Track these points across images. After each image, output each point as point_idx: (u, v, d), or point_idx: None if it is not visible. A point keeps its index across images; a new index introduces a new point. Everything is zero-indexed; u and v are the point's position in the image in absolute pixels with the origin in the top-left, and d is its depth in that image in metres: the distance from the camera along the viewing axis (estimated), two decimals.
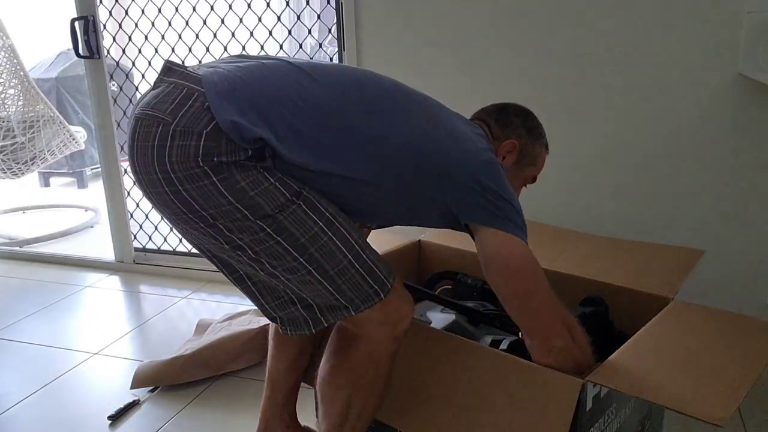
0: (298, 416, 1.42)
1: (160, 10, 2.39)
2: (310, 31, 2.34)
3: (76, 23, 2.41)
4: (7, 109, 2.99)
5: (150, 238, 2.68)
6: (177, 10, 2.38)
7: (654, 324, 1.20)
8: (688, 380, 1.00)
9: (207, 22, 2.36)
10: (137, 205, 2.66)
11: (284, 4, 2.33)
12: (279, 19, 2.28)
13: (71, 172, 4.38)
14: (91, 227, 3.35)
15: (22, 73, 2.97)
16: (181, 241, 2.61)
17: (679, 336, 1.15)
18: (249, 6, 2.30)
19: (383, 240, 1.63)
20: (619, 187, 1.90)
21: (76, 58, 2.48)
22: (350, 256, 1.04)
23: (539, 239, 1.62)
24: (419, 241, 1.70)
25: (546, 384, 1.06)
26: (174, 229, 1.14)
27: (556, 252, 1.56)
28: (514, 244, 1.04)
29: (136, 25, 2.45)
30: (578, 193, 1.94)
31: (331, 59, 2.28)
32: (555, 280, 1.50)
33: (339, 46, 2.12)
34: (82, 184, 4.39)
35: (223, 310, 2.22)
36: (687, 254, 1.49)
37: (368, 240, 1.12)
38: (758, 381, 1.03)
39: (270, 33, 2.33)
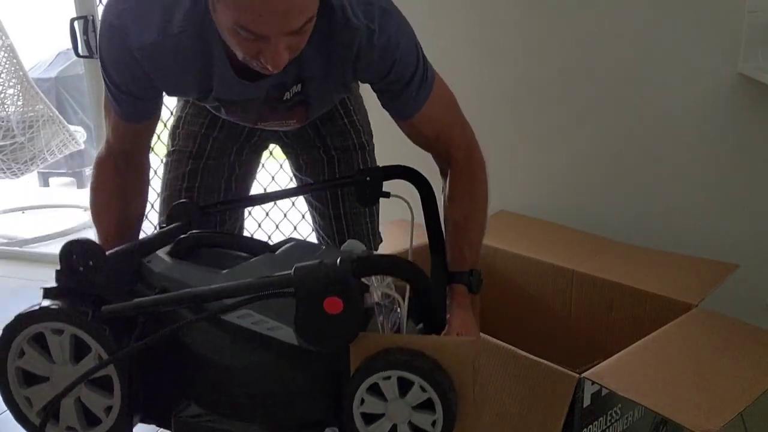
0: None
1: None
2: None
3: (76, 23, 2.41)
4: (7, 109, 2.99)
5: None
6: None
7: (668, 329, 1.19)
8: (685, 388, 0.99)
9: None
10: None
11: None
12: None
13: (70, 172, 4.37)
14: (91, 227, 3.34)
15: (21, 72, 2.97)
16: None
17: (691, 343, 1.14)
18: None
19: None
20: (609, 185, 1.89)
21: (75, 57, 2.47)
22: None
23: (567, 241, 1.63)
24: None
25: (543, 378, 1.07)
26: None
27: (584, 255, 1.56)
28: None
29: None
30: (562, 193, 1.94)
31: None
32: (579, 281, 1.50)
33: None
34: (81, 184, 4.37)
35: None
36: (719, 266, 1.47)
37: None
38: (762, 398, 1.00)
39: None
